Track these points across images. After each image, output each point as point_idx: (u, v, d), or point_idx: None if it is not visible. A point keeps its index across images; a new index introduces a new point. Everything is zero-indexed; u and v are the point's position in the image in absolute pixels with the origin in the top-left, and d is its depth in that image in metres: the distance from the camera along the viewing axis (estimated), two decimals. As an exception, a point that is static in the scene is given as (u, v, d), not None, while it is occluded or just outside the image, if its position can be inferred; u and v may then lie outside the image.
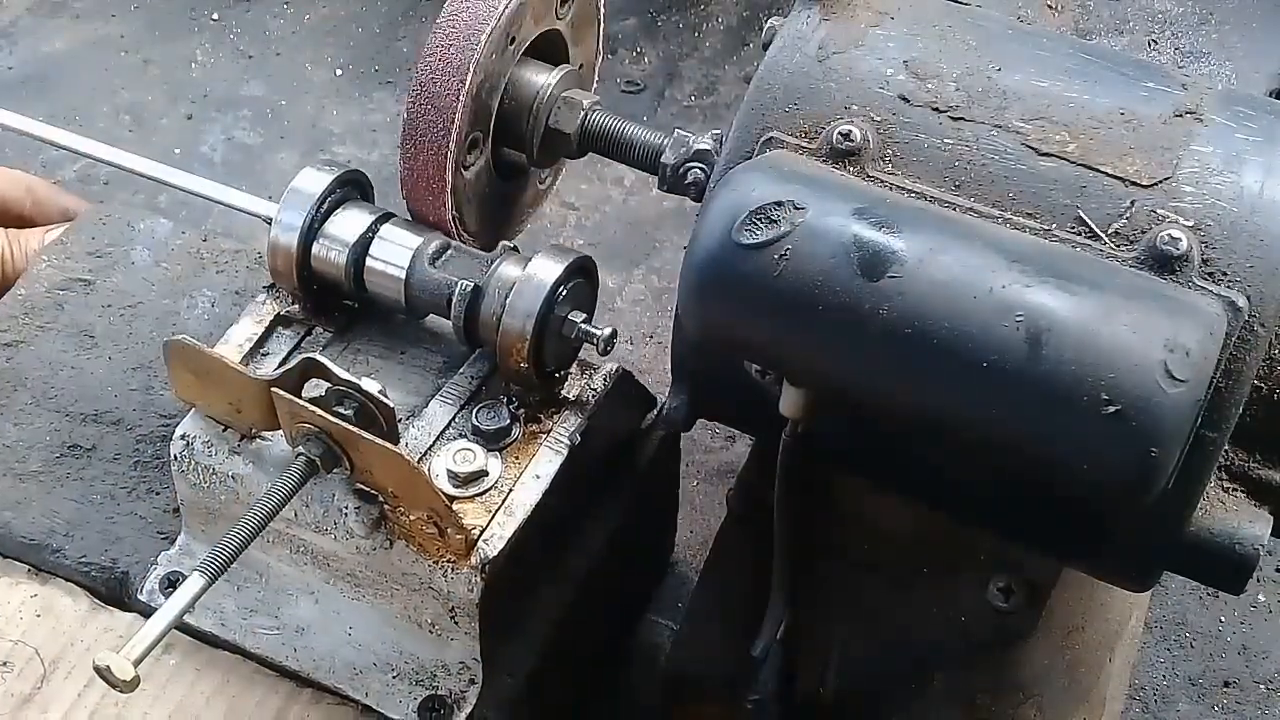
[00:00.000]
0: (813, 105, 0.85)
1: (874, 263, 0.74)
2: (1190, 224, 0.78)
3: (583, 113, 1.04)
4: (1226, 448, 0.81)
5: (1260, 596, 1.37)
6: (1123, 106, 0.83)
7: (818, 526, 0.98)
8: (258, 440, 1.00)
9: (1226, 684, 1.32)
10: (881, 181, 0.82)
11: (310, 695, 1.00)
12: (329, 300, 1.05)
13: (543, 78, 1.03)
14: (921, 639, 1.00)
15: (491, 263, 0.99)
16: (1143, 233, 0.78)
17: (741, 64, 1.82)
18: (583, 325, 0.98)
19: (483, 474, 0.97)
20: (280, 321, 1.05)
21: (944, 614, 0.99)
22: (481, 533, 0.94)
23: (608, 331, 0.98)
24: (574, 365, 1.03)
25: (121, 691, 0.80)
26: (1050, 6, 1.03)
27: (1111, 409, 0.70)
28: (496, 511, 0.96)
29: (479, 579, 0.94)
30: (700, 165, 0.96)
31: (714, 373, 0.90)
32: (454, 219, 1.02)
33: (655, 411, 1.12)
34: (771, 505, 0.93)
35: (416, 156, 0.99)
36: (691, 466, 1.38)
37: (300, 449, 0.92)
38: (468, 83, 0.96)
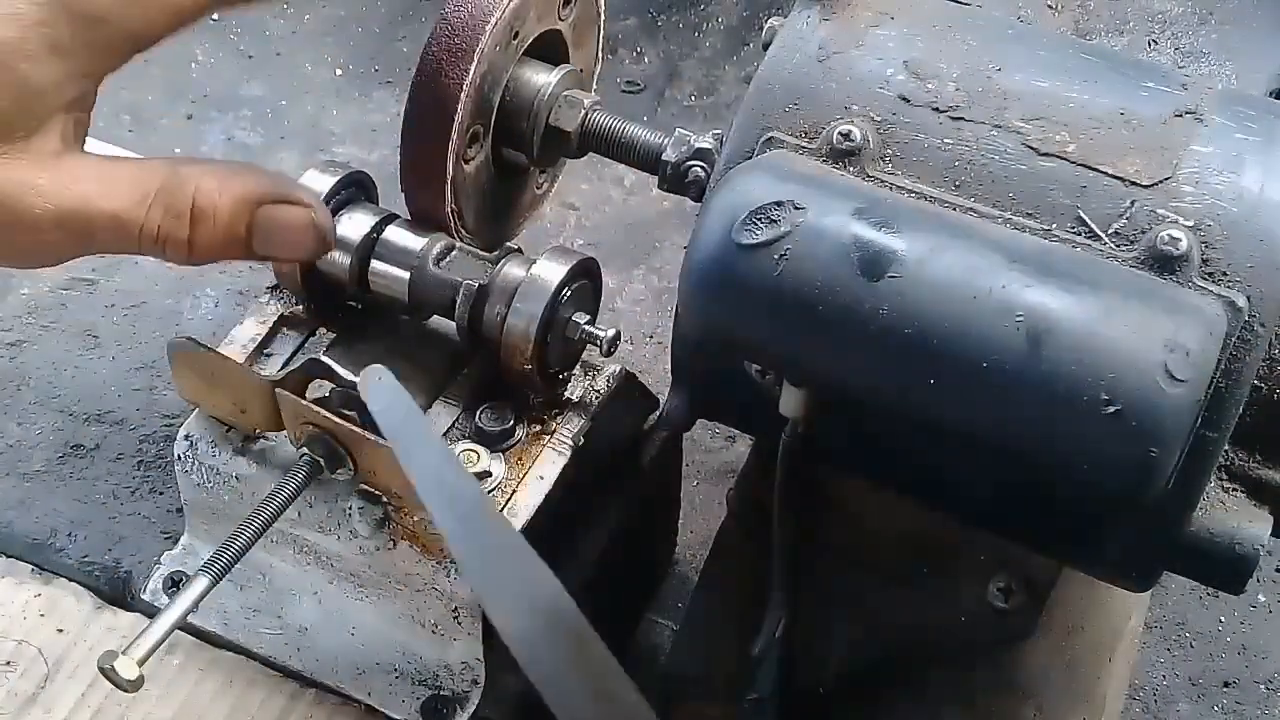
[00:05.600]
0: (813, 105, 0.85)
1: (874, 263, 0.74)
2: (1190, 224, 0.78)
3: (583, 112, 1.04)
4: (1226, 448, 0.81)
5: (1260, 596, 1.36)
6: (1123, 106, 0.83)
7: (818, 526, 0.98)
8: (261, 441, 1.00)
9: (1226, 684, 1.31)
10: (881, 181, 0.82)
11: (314, 695, 1.01)
12: (333, 301, 1.05)
13: (543, 77, 1.03)
14: (921, 639, 1.00)
15: (495, 264, 1.00)
16: (1143, 233, 0.78)
17: (741, 64, 1.81)
18: (586, 327, 0.98)
19: (486, 475, 0.97)
20: (284, 322, 1.05)
21: (944, 614, 0.99)
22: (484, 533, 0.94)
23: (611, 333, 0.98)
24: (577, 366, 1.03)
25: (126, 691, 0.80)
26: (1050, 6, 1.03)
27: (1111, 409, 0.70)
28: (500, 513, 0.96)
29: (481, 579, 0.94)
30: (701, 164, 0.96)
31: (714, 373, 0.90)
32: (452, 213, 1.02)
33: (657, 413, 1.12)
34: (771, 505, 0.93)
35: (417, 144, 0.99)
36: (691, 466, 1.38)
37: (304, 450, 0.92)
38: (472, 70, 0.96)
